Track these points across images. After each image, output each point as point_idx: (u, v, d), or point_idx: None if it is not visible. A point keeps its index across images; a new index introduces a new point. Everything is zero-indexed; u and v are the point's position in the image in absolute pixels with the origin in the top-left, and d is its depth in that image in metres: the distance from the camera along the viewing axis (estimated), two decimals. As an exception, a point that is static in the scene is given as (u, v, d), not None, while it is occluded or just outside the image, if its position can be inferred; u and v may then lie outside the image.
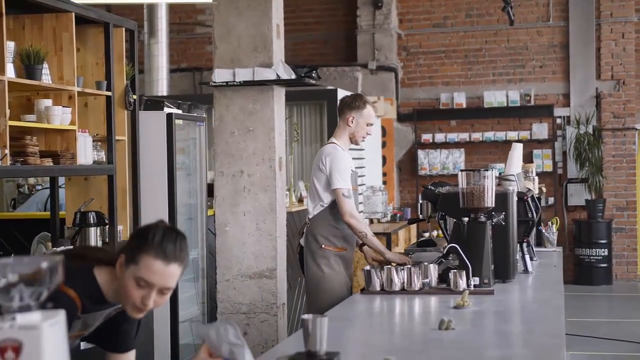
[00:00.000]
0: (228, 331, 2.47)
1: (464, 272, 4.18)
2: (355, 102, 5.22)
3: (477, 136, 12.65)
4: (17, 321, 1.72)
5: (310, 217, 5.20)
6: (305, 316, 2.72)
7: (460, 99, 12.75)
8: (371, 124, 5.25)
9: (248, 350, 2.47)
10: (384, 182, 12.18)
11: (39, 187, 8.73)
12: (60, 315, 1.78)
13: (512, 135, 12.45)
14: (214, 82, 5.66)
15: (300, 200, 8.18)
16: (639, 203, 12.65)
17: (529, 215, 4.97)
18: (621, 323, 9.67)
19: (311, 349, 2.71)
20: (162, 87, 10.46)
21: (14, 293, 1.74)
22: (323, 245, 5.11)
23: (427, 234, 11.56)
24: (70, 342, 2.63)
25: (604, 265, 12.14)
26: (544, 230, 6.38)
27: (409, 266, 4.31)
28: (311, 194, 5.24)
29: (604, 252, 12.10)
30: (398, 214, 11.10)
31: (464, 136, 12.70)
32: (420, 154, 12.81)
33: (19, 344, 1.69)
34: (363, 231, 5.03)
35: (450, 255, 4.39)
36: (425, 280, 4.24)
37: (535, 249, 5.76)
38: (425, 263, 4.34)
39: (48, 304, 2.34)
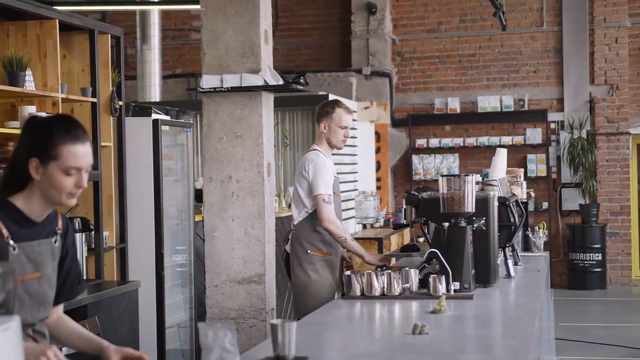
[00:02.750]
0: (226, 336, 2.48)
1: (444, 277, 4.19)
2: (324, 108, 5.35)
3: (471, 141, 12.67)
4: (-31, 327, 1.73)
5: (295, 223, 5.29)
6: (274, 321, 2.74)
7: (455, 104, 12.77)
8: (345, 127, 5.32)
9: (238, 358, 2.48)
10: (379, 187, 12.20)
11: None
12: (14, 322, 1.79)
13: (506, 140, 12.46)
14: (202, 88, 5.68)
15: (290, 206, 8.19)
16: (633, 207, 12.67)
17: (511, 220, 4.97)
18: (615, 328, 9.68)
19: (280, 354, 2.73)
20: (154, 93, 10.49)
21: (-34, 299, 1.75)
22: (309, 251, 5.20)
23: (422, 239, 11.57)
24: (27, 285, 2.60)
25: (598, 269, 12.14)
26: (531, 235, 6.39)
27: (389, 271, 4.31)
28: (295, 201, 5.34)
29: (598, 256, 12.11)
30: (392, 219, 11.11)
31: (458, 141, 12.71)
32: (415, 159, 12.82)
33: (-31, 349, 1.70)
34: (342, 236, 5.11)
35: (433, 260, 4.40)
36: (406, 285, 4.25)
37: (521, 254, 5.77)
38: (407, 268, 4.35)
39: None
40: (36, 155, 2.63)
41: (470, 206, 4.36)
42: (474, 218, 4.44)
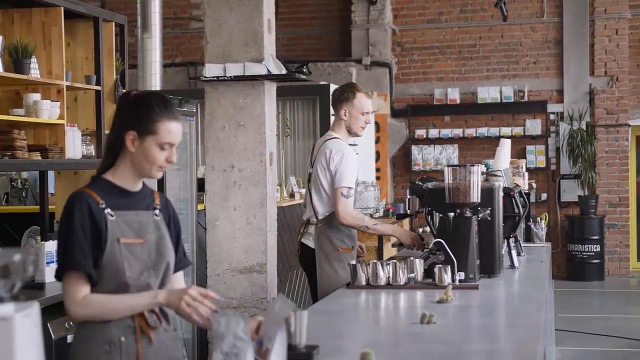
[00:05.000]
0: (239, 324, 2.50)
1: (449, 267, 4.20)
2: (344, 93, 5.09)
3: (470, 132, 12.68)
4: (-11, 313, 1.73)
5: (319, 217, 5.04)
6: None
7: (454, 95, 12.77)
8: (366, 112, 5.09)
9: (251, 348, 2.48)
10: (378, 178, 12.21)
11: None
12: (34, 307, 1.79)
13: (506, 131, 12.47)
14: (205, 77, 5.67)
15: (292, 195, 8.19)
16: (632, 199, 12.69)
17: (516, 210, 4.97)
18: (613, 319, 9.71)
19: (291, 342, 2.73)
20: (155, 81, 10.40)
21: (-13, 285, 1.75)
22: (339, 248, 5.00)
23: (421, 229, 11.58)
24: (130, 248, 2.79)
25: (596, 261, 12.17)
26: (532, 226, 6.40)
27: (395, 261, 4.31)
28: (317, 193, 5.07)
29: (596, 248, 12.14)
30: (391, 210, 11.13)
31: (457, 132, 12.72)
32: (414, 149, 12.83)
33: (-10, 335, 1.71)
34: (362, 225, 4.93)
35: (437, 250, 4.40)
36: (411, 275, 4.26)
37: (524, 245, 5.78)
38: (411, 258, 4.36)
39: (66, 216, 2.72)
40: (134, 129, 2.78)
41: (475, 196, 4.36)
42: (479, 208, 4.44)
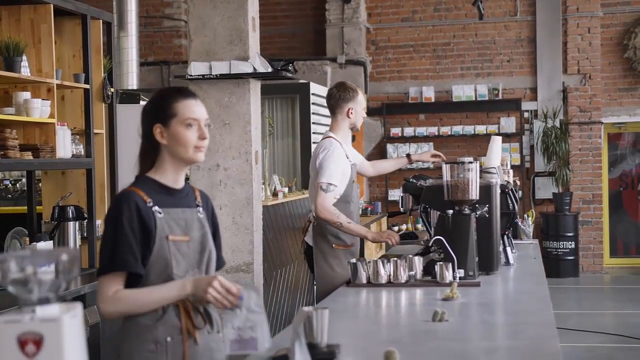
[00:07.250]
0: (251, 297, 2.49)
1: (450, 264, 4.20)
2: (348, 92, 5.14)
3: (445, 130, 12.72)
4: (37, 314, 1.70)
5: (315, 215, 5.05)
6: (307, 308, 2.72)
7: (429, 93, 12.81)
8: (364, 108, 5.23)
9: (265, 319, 2.47)
10: (354, 176, 12.21)
11: (6, 182, 8.63)
12: (79, 309, 1.76)
13: (481, 129, 12.54)
14: (190, 76, 5.62)
15: (275, 194, 8.16)
16: (605, 196, 12.81)
17: (510, 207, 4.99)
18: (588, 314, 9.79)
19: (312, 341, 2.71)
20: (132, 80, 10.34)
21: (33, 285, 1.71)
22: (334, 245, 5.03)
23: (396, 228, 11.61)
24: (178, 246, 2.77)
25: (571, 257, 12.27)
26: (520, 223, 6.43)
27: (395, 259, 4.30)
28: (312, 193, 5.11)
29: (570, 244, 12.24)
30: (369, 208, 11.16)
31: (432, 130, 12.76)
32: (390, 147, 12.84)
33: (39, 337, 1.68)
34: (337, 221, 4.94)
35: (433, 247, 4.40)
36: (411, 272, 4.26)
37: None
38: (410, 255, 4.36)
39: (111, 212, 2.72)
40: (158, 121, 2.79)
41: (474, 193, 4.37)
42: (477, 205, 4.44)
